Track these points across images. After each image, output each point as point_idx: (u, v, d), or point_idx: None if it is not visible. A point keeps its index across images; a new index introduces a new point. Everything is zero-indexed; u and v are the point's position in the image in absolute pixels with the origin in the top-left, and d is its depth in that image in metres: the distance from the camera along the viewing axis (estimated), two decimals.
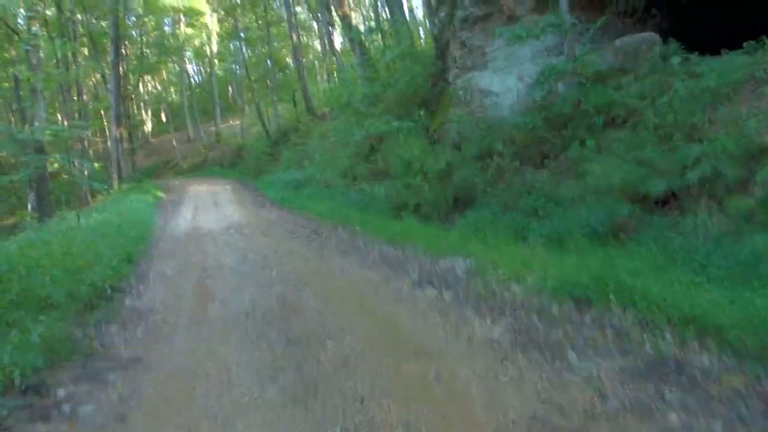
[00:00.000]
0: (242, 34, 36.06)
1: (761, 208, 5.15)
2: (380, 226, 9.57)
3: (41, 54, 22.93)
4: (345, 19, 22.12)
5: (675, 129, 6.75)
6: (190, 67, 50.36)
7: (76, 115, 29.84)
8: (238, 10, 35.07)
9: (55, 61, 28.22)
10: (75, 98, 31.13)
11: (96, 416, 3.55)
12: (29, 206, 18.23)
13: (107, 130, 33.28)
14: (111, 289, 6.45)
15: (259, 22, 36.54)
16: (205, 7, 40.36)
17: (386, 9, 22.83)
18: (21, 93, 27.01)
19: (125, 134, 33.49)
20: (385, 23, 22.35)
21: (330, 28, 25.60)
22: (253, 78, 36.44)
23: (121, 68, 32.03)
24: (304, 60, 33.83)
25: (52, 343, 4.41)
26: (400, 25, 18.17)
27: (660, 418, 2.88)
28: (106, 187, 19.42)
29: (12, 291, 5.24)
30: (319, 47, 43.89)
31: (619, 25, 10.36)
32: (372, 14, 33.81)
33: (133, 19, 39.14)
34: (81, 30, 33.06)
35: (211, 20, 41.04)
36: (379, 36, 23.10)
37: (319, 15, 30.14)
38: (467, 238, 7.38)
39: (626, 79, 8.37)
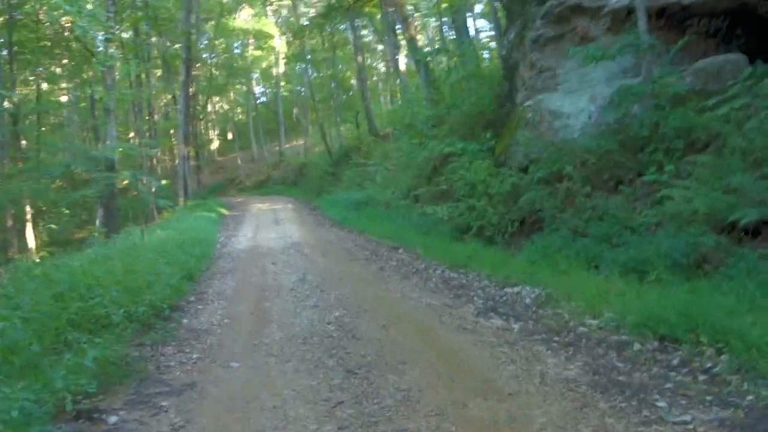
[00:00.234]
0: (308, 56, 36.55)
1: None
2: (442, 249, 9.30)
3: (116, 74, 23.81)
4: (411, 41, 22.09)
5: (766, 154, 6.24)
6: (257, 88, 51.43)
7: (147, 134, 30.79)
8: (306, 33, 35.63)
9: (129, 81, 29.25)
10: (146, 117, 32.15)
11: None
12: (97, 222, 18.74)
13: (175, 149, 34.16)
14: (169, 309, 6.36)
15: (326, 44, 37.03)
16: (273, 30, 41.25)
17: (452, 31, 22.74)
18: (96, 112, 28.14)
19: (192, 152, 34.30)
20: (450, 45, 22.18)
21: (395, 49, 25.57)
22: (317, 99, 36.86)
23: (190, 89, 32.93)
24: (367, 81, 34.02)
25: (107, 365, 4.29)
26: (466, 46, 17.95)
27: None
28: (171, 203, 19.80)
29: (71, 310, 5.20)
30: (383, 69, 44.19)
31: (699, 45, 9.82)
32: (437, 36, 33.79)
33: (205, 42, 40.33)
34: (155, 52, 34.24)
35: (279, 43, 41.87)
36: (444, 57, 22.96)
37: (385, 37, 30.27)
38: (535, 264, 7.03)
39: (709, 101, 7.86)
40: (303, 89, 42.56)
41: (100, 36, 19.86)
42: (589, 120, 9.80)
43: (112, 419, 3.68)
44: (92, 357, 4.10)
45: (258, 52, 42.59)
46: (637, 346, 4.10)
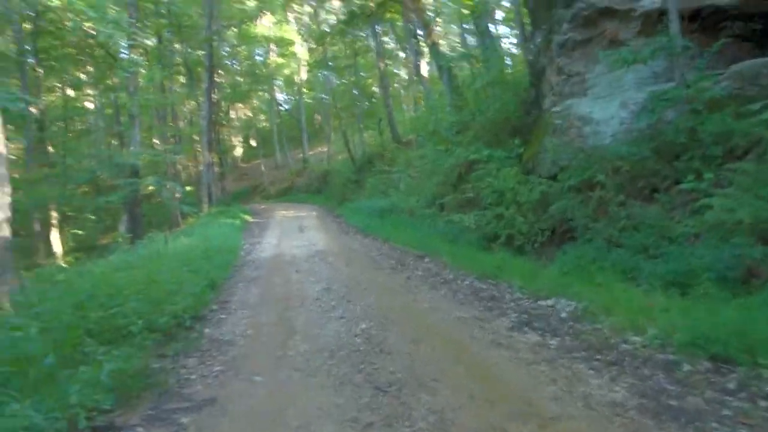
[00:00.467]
0: (330, 63, 36.54)
1: None
2: (470, 258, 9.07)
3: (140, 81, 23.98)
4: (434, 47, 21.91)
5: None
6: (280, 95, 51.64)
7: (171, 140, 30.98)
8: (328, 40, 35.64)
9: (152, 88, 29.48)
10: (170, 124, 32.34)
11: None
12: (122, 227, 18.81)
13: (199, 155, 34.33)
14: (191, 319, 6.22)
15: (347, 51, 37.02)
16: (295, 37, 41.37)
17: (474, 37, 22.54)
18: (121, 119, 28.37)
19: (216, 159, 34.44)
20: (474, 50, 21.95)
21: (417, 56, 25.43)
22: (339, 106, 36.82)
23: (214, 96, 33.09)
24: (390, 88, 33.91)
25: (125, 378, 4.15)
26: (490, 52, 17.71)
27: None
28: (195, 210, 19.82)
29: (90, 319, 5.08)
30: (404, 75, 44.06)
31: (733, 49, 9.51)
32: (459, 42, 33.61)
33: (228, 49, 40.57)
34: (178, 59, 34.51)
35: (301, 50, 41.96)
36: (467, 63, 22.75)
37: (407, 44, 30.15)
38: (568, 275, 6.78)
39: (750, 106, 7.56)
40: (325, 96, 42.60)
41: (124, 43, 20.01)
42: (620, 126, 9.53)
43: None
44: (108, 371, 3.96)
45: (280, 59, 42.71)
46: (687, 367, 3.85)
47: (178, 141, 32.34)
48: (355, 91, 37.03)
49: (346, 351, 5.06)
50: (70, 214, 24.35)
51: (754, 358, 3.59)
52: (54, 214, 21.58)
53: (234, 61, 42.19)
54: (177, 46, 33.79)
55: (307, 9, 42.57)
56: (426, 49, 24.93)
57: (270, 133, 48.05)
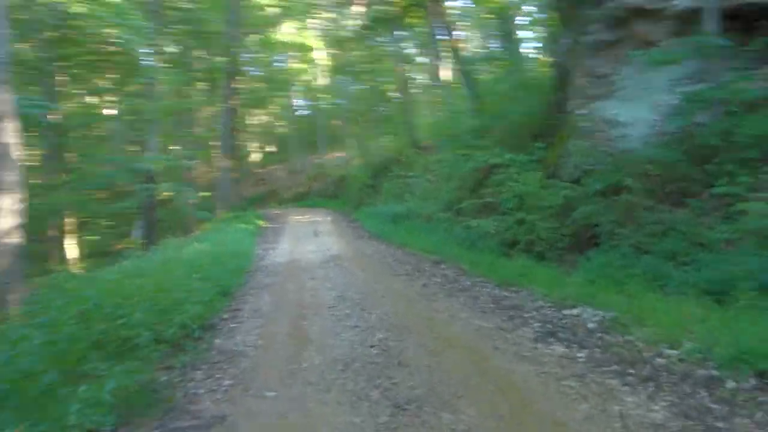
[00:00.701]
0: (349, 69, 36.37)
1: None
2: (489, 265, 8.76)
3: (159, 86, 23.99)
4: (456, 51, 21.65)
5: None
6: (298, 101, 51.55)
7: (190, 146, 30.96)
8: (346, 45, 35.50)
9: (172, 95, 29.53)
10: (188, 129, 32.34)
11: None
12: (135, 233, 18.70)
13: (216, 161, 34.26)
14: (200, 329, 5.96)
15: (367, 56, 36.88)
16: (315, 43, 41.30)
17: (497, 41, 22.29)
18: (141, 126, 28.40)
19: (233, 164, 34.37)
20: (497, 54, 21.68)
21: (438, 60, 25.15)
22: (357, 111, 36.62)
23: (232, 102, 33.07)
24: (409, 92, 33.67)
25: (128, 394, 3.90)
26: (514, 54, 17.42)
27: None
28: (210, 215, 19.66)
29: (95, 331, 4.84)
30: (423, 80, 43.82)
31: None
32: (482, 46, 33.36)
33: (247, 55, 40.58)
34: (198, 66, 34.54)
35: (319, 55, 41.88)
36: (489, 67, 22.46)
37: (428, 48, 29.97)
38: (594, 284, 6.44)
39: None
40: (343, 101, 42.46)
41: (145, 50, 19.98)
42: (649, 129, 9.18)
43: None
44: (110, 389, 3.69)
45: (299, 65, 42.64)
46: (731, 384, 3.52)
47: (195, 147, 32.31)
48: (373, 96, 36.82)
49: (362, 363, 4.78)
50: (85, 219, 24.30)
51: None
52: (69, 220, 21.54)
53: (254, 68, 42.14)
54: (198, 53, 33.85)
55: (328, 14, 42.58)
56: (447, 54, 24.69)
57: (287, 139, 47.98)
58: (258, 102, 44.26)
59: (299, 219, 23.11)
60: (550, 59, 13.10)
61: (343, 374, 4.57)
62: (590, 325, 5.20)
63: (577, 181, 9.54)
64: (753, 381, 3.51)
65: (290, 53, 41.66)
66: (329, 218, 22.83)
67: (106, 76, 28.78)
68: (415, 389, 4.07)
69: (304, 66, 42.84)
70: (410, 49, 39.91)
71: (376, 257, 11.71)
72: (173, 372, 4.86)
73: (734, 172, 6.99)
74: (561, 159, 10.58)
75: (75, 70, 26.31)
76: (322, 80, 44.23)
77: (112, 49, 22.91)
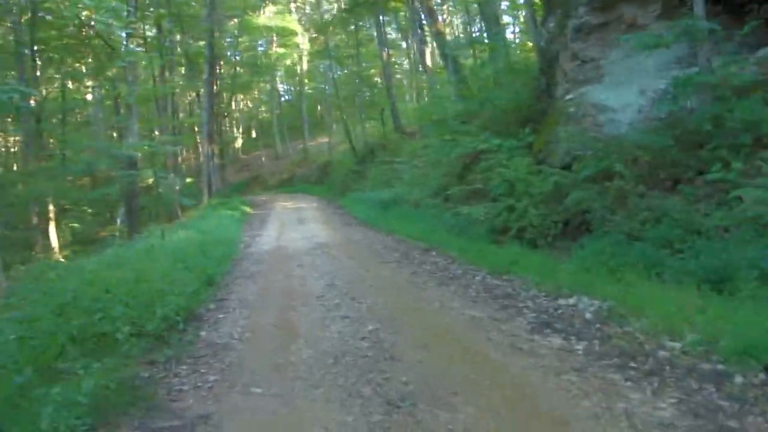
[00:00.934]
0: (332, 53, 36.01)
1: None
2: (480, 252, 8.66)
3: (138, 71, 23.49)
4: (439, 36, 21.42)
5: None
6: (281, 86, 51.06)
7: (172, 132, 30.49)
8: (330, 29, 35.10)
9: (152, 79, 29.00)
10: (170, 114, 31.84)
11: None
12: (119, 220, 18.37)
13: (200, 147, 33.86)
14: (183, 322, 5.76)
15: (350, 41, 36.55)
16: (297, 27, 40.80)
17: (478, 26, 22.11)
18: (121, 110, 27.91)
19: (216, 150, 33.97)
20: (480, 39, 21.49)
21: (422, 45, 24.89)
22: (341, 96, 36.31)
23: (214, 87, 32.61)
24: (393, 78, 33.41)
25: (107, 393, 3.72)
26: (497, 40, 17.23)
27: None
28: (194, 202, 19.36)
29: (72, 325, 4.64)
30: (407, 66, 43.57)
31: (759, 33, 9.03)
32: (465, 30, 33.16)
33: (229, 39, 40.00)
34: (178, 50, 33.98)
35: (302, 40, 41.41)
36: (473, 52, 22.29)
37: (411, 33, 29.68)
38: (589, 272, 6.34)
39: None
40: (327, 87, 42.08)
41: (123, 33, 19.56)
42: (638, 114, 9.08)
43: None
44: (86, 390, 3.49)
45: (282, 50, 42.11)
46: (739, 379, 3.41)
47: (177, 132, 31.84)
48: (357, 81, 36.52)
49: (353, 357, 4.63)
50: (67, 207, 23.88)
51: None
52: (51, 207, 21.15)
53: (236, 52, 41.55)
54: (178, 37, 33.30)
55: None
56: (431, 39, 24.46)
57: (271, 124, 47.57)
58: (241, 87, 43.73)
59: (285, 205, 22.90)
60: (536, 44, 12.92)
61: (334, 369, 4.42)
62: (587, 315, 5.09)
63: (567, 167, 9.42)
64: (762, 376, 3.40)
65: (272, 38, 41.06)
66: (315, 204, 22.65)
67: (85, 61, 28.23)
68: (409, 385, 3.94)
69: (287, 51, 42.27)
70: (394, 34, 39.65)
71: (364, 244, 11.56)
72: (156, 367, 4.69)
73: (727, 158, 6.90)
74: (550, 145, 10.46)
75: (52, 54, 25.76)
76: (306, 65, 43.80)
77: (89, 32, 22.42)
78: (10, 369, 3.70)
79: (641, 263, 6.16)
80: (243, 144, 51.51)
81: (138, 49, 22.79)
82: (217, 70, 36.11)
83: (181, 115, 37.57)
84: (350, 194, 22.46)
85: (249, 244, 12.89)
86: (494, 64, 15.47)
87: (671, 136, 7.86)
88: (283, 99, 50.13)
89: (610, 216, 7.73)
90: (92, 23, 20.55)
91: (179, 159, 33.62)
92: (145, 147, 17.43)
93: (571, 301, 5.59)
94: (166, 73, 30.06)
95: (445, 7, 35.99)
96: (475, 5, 23.04)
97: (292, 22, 40.69)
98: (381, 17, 30.11)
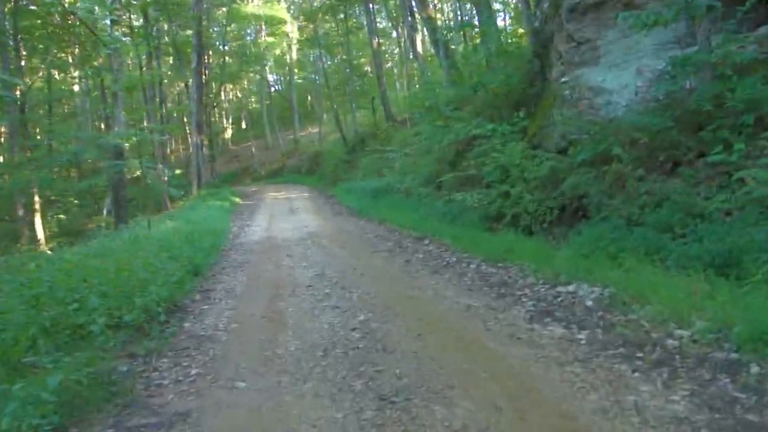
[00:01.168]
0: (321, 42, 35.60)
1: None
2: (474, 240, 8.42)
3: (125, 59, 23.04)
4: (429, 21, 21.10)
5: None
6: (270, 76, 50.53)
7: (161, 121, 30.09)
8: (319, 17, 34.68)
9: (140, 68, 28.57)
10: (158, 104, 31.42)
11: None
12: (105, 211, 18.03)
13: (189, 138, 33.44)
14: (165, 314, 5.50)
15: (339, 31, 36.15)
16: (286, 16, 40.31)
17: (468, 13, 21.82)
18: (108, 100, 27.49)
19: (206, 141, 33.58)
20: (470, 23, 21.19)
21: (412, 31, 24.55)
22: (331, 85, 35.92)
23: (203, 77, 32.15)
24: (383, 66, 33.06)
25: (79, 389, 3.46)
26: (488, 22, 16.93)
27: None
28: (182, 193, 19.04)
29: (45, 317, 4.37)
30: (397, 54, 43.20)
31: (759, 10, 8.80)
32: (454, 16, 32.84)
33: (217, 28, 39.48)
34: (165, 39, 33.49)
35: (291, 28, 40.92)
36: (462, 37, 22.00)
37: (401, 20, 29.29)
38: (588, 258, 6.10)
39: None
40: (317, 76, 41.66)
41: (108, 21, 19.17)
42: (635, 95, 8.84)
43: None
44: (52, 386, 3.22)
45: (271, 39, 41.60)
46: (755, 369, 3.17)
47: (166, 122, 31.40)
48: (347, 70, 36.15)
49: (343, 349, 4.38)
50: (53, 198, 23.50)
51: None
52: (37, 198, 20.78)
53: (224, 42, 41.01)
54: (165, 26, 32.80)
55: None
56: (421, 25, 24.13)
57: (261, 114, 47.14)
58: (230, 77, 43.23)
59: (275, 196, 22.61)
60: (529, 26, 12.64)
61: (323, 361, 4.18)
62: (588, 303, 4.86)
63: (562, 152, 9.20)
64: None
65: (261, 26, 40.56)
66: (305, 194, 22.37)
67: (70, 50, 27.76)
68: (402, 378, 3.69)
69: (276, 40, 41.76)
70: (384, 23, 39.26)
71: (356, 233, 11.32)
72: (136, 360, 4.44)
73: (729, 139, 6.67)
74: (544, 129, 10.23)
75: (37, 44, 25.30)
76: (295, 55, 43.33)
77: (74, 20, 21.98)
78: None
79: (642, 248, 5.93)
80: (233, 135, 51.08)
81: (125, 38, 22.35)
82: (206, 60, 35.62)
83: (169, 105, 37.05)
84: (341, 184, 22.20)
85: (238, 234, 12.62)
86: (486, 48, 15.17)
87: (670, 117, 7.62)
88: (272, 89, 49.61)
89: (607, 201, 7.49)
90: (76, 12, 20.10)
91: (168, 150, 33.21)
92: (132, 137, 17.09)
93: (571, 288, 5.36)
94: (154, 63, 29.60)
95: None
96: None
97: (280, 10, 40.19)
98: (371, 5, 29.72)
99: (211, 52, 39.18)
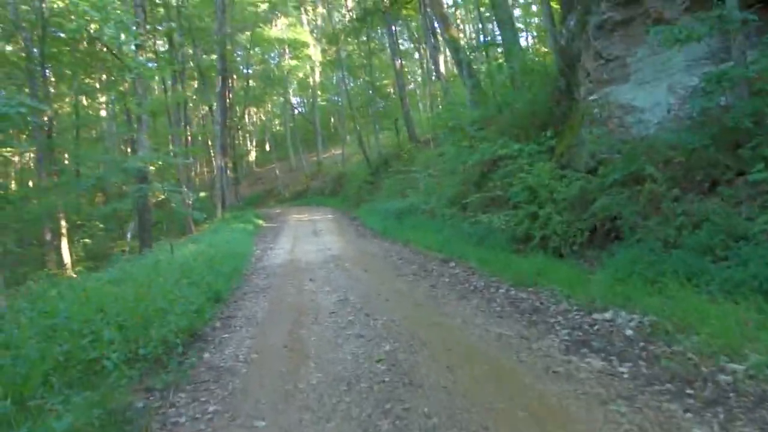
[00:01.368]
0: (344, 64, 35.76)
1: None
2: (501, 263, 8.15)
3: (152, 84, 23.29)
4: (452, 42, 21.00)
5: None
6: (294, 98, 50.85)
7: (185, 144, 30.33)
8: (342, 39, 34.87)
9: (165, 93, 28.93)
10: (183, 127, 31.71)
11: None
12: (129, 235, 18.06)
13: (213, 160, 33.68)
14: (188, 341, 5.32)
15: (361, 53, 36.30)
16: (309, 39, 40.63)
17: (491, 33, 21.74)
18: (135, 125, 27.83)
19: (230, 164, 33.78)
20: (494, 42, 21.03)
21: (435, 51, 24.50)
22: (354, 107, 35.98)
23: (227, 100, 32.44)
24: (406, 87, 33.06)
25: (91, 431, 3.27)
26: (512, 43, 16.76)
27: None
28: (205, 216, 19.04)
29: (58, 352, 4.21)
30: (420, 75, 43.25)
31: None
32: (477, 36, 32.74)
33: (240, 52, 39.93)
34: (190, 63, 33.90)
35: (314, 51, 41.20)
36: (485, 56, 21.87)
37: (424, 42, 29.31)
38: (623, 282, 5.81)
39: None
40: (340, 98, 41.83)
41: (132, 46, 19.39)
42: (667, 113, 8.55)
43: None
44: (66, 425, 3.04)
45: (294, 62, 41.92)
46: None
47: (190, 145, 31.67)
48: (370, 92, 36.22)
49: (368, 383, 4.15)
50: (79, 222, 23.70)
51: None
52: (64, 223, 20.95)
53: (248, 66, 41.45)
54: (189, 50, 33.23)
55: (321, 10, 41.93)
56: (444, 45, 24.07)
57: (284, 137, 47.39)
58: (254, 100, 43.62)
59: (298, 218, 22.52)
60: (554, 44, 12.41)
61: (347, 397, 3.95)
62: (627, 332, 4.57)
63: (592, 171, 8.92)
64: None
65: (285, 50, 40.92)
66: (329, 216, 22.25)
67: (95, 75, 28.18)
68: (432, 417, 3.44)
69: (299, 62, 42.07)
70: (406, 44, 39.37)
71: (380, 256, 11.10)
72: (153, 395, 4.25)
73: None
74: (573, 148, 9.96)
75: (64, 70, 25.72)
76: (318, 77, 43.60)
77: (100, 48, 22.33)
78: None
79: (682, 272, 5.63)
80: (257, 157, 51.41)
81: (150, 64, 22.65)
82: (230, 84, 35.98)
83: (194, 128, 37.39)
84: (365, 205, 22.07)
85: (260, 257, 12.49)
86: (510, 67, 14.99)
87: (706, 135, 7.33)
88: (296, 111, 49.93)
89: (642, 222, 7.20)
90: (103, 37, 20.41)
91: (193, 173, 33.41)
92: (157, 160, 17.16)
93: (607, 315, 5.07)
94: (178, 86, 29.94)
95: (457, 13, 35.64)
96: (489, 6, 22.58)
97: (303, 33, 40.52)
98: (393, 26, 29.78)
99: (235, 76, 39.58)
